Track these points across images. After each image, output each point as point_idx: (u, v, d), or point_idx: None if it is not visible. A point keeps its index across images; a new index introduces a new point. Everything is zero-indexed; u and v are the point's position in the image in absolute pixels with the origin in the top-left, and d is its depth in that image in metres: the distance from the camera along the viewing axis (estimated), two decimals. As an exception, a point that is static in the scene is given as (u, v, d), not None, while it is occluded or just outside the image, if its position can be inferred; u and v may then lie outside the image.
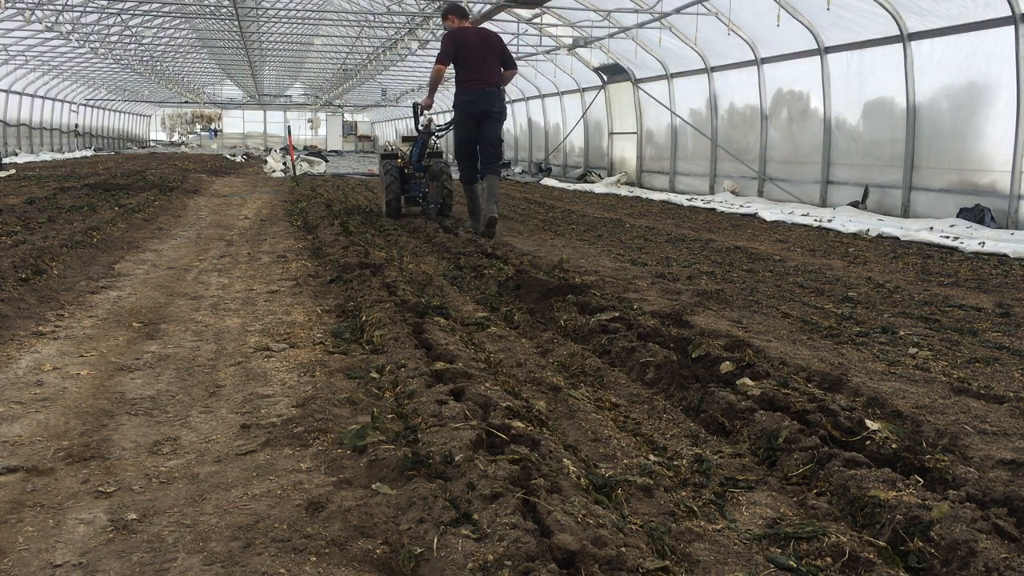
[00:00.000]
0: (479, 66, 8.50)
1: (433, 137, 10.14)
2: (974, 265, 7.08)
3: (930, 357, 3.94)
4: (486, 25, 16.52)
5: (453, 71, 8.78)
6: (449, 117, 9.35)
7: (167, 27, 27.38)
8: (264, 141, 57.64)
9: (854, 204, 11.33)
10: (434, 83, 8.78)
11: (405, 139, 11.01)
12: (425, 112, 9.60)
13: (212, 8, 21.02)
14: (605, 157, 20.11)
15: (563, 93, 22.35)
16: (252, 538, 2.04)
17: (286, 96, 54.69)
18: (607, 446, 2.73)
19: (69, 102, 33.85)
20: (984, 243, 7.89)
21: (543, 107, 23.99)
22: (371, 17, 22.76)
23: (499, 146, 8.83)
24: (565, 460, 2.40)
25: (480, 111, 8.56)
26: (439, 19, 10.08)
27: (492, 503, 2.05)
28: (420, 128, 9.94)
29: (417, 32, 20.32)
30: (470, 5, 15.09)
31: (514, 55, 9.43)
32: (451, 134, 9.40)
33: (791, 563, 1.97)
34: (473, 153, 8.79)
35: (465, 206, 9.72)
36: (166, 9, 21.02)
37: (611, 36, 16.48)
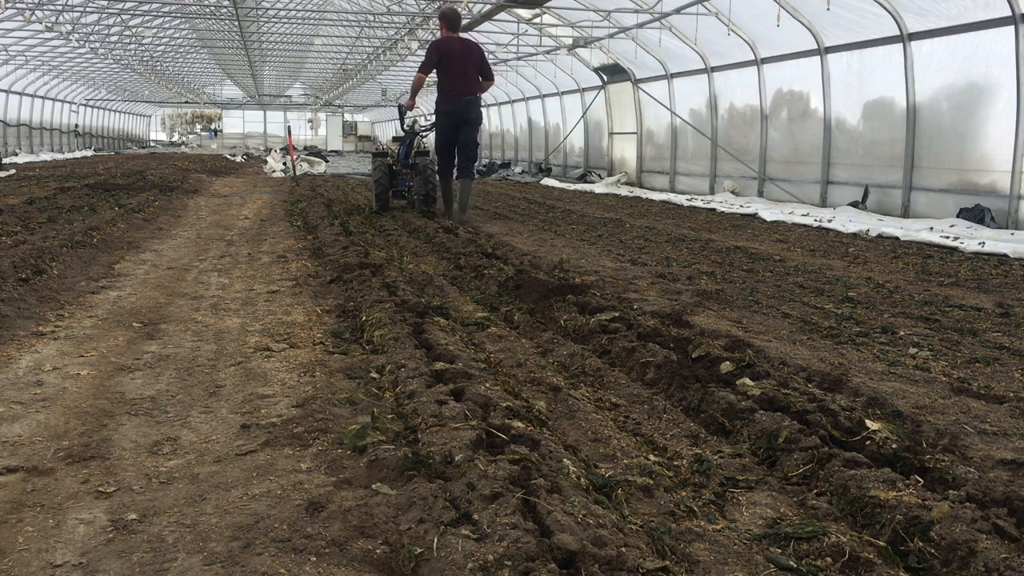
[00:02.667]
0: (459, 76, 9.41)
1: (419, 136, 11.13)
2: (974, 265, 7.07)
3: (930, 357, 3.94)
4: (486, 25, 16.57)
5: (435, 76, 9.70)
6: (433, 119, 10.42)
7: (167, 27, 27.39)
8: (264, 141, 57.62)
9: (854, 204, 11.32)
10: (415, 88, 9.83)
11: (395, 139, 11.95)
12: (408, 113, 10.64)
13: (212, 8, 21.01)
14: (605, 157, 20.10)
15: (563, 93, 22.33)
16: (252, 538, 2.04)
17: (286, 96, 54.71)
18: (607, 446, 2.73)
19: (69, 102, 33.84)
20: (984, 243, 7.89)
21: (543, 107, 23.97)
22: (371, 17, 22.74)
23: (475, 148, 9.90)
24: (565, 460, 2.40)
25: (459, 119, 9.50)
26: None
27: (492, 503, 2.05)
28: (405, 129, 10.93)
29: (417, 32, 20.32)
30: (470, 5, 15.08)
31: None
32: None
33: (791, 563, 1.97)
34: (451, 153, 9.78)
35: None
36: (166, 9, 21.02)
37: (611, 36, 16.47)
